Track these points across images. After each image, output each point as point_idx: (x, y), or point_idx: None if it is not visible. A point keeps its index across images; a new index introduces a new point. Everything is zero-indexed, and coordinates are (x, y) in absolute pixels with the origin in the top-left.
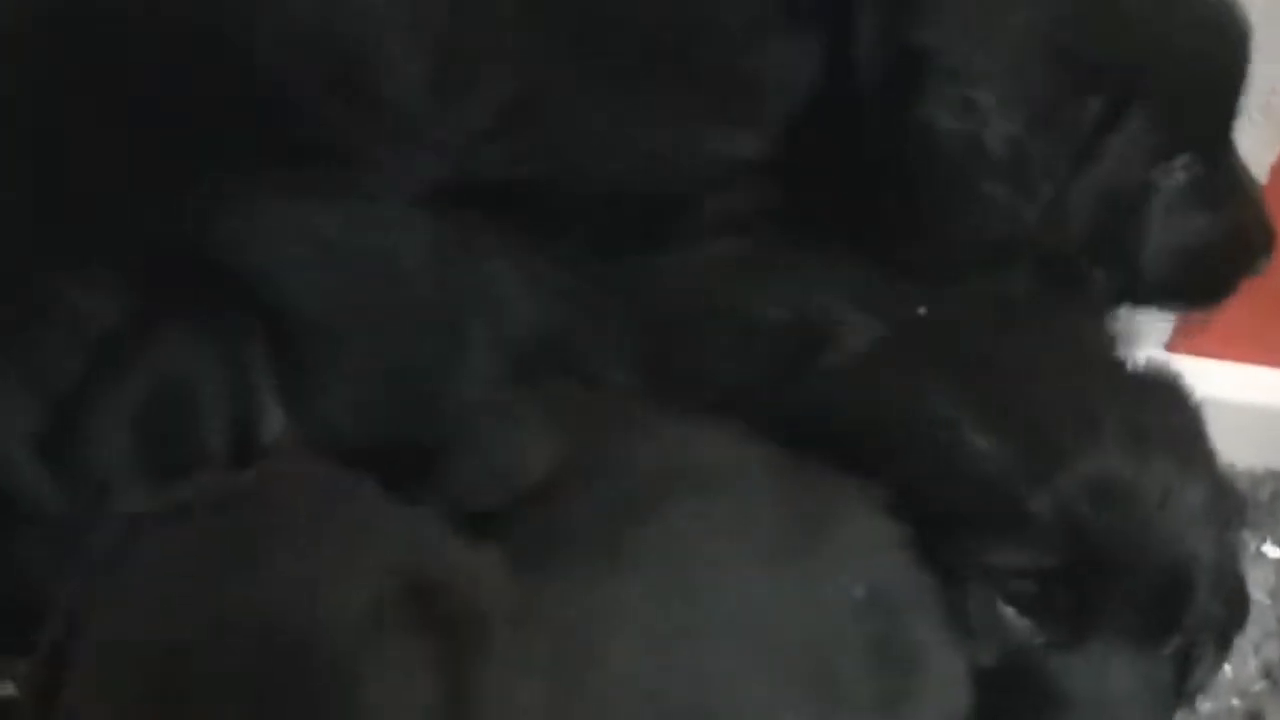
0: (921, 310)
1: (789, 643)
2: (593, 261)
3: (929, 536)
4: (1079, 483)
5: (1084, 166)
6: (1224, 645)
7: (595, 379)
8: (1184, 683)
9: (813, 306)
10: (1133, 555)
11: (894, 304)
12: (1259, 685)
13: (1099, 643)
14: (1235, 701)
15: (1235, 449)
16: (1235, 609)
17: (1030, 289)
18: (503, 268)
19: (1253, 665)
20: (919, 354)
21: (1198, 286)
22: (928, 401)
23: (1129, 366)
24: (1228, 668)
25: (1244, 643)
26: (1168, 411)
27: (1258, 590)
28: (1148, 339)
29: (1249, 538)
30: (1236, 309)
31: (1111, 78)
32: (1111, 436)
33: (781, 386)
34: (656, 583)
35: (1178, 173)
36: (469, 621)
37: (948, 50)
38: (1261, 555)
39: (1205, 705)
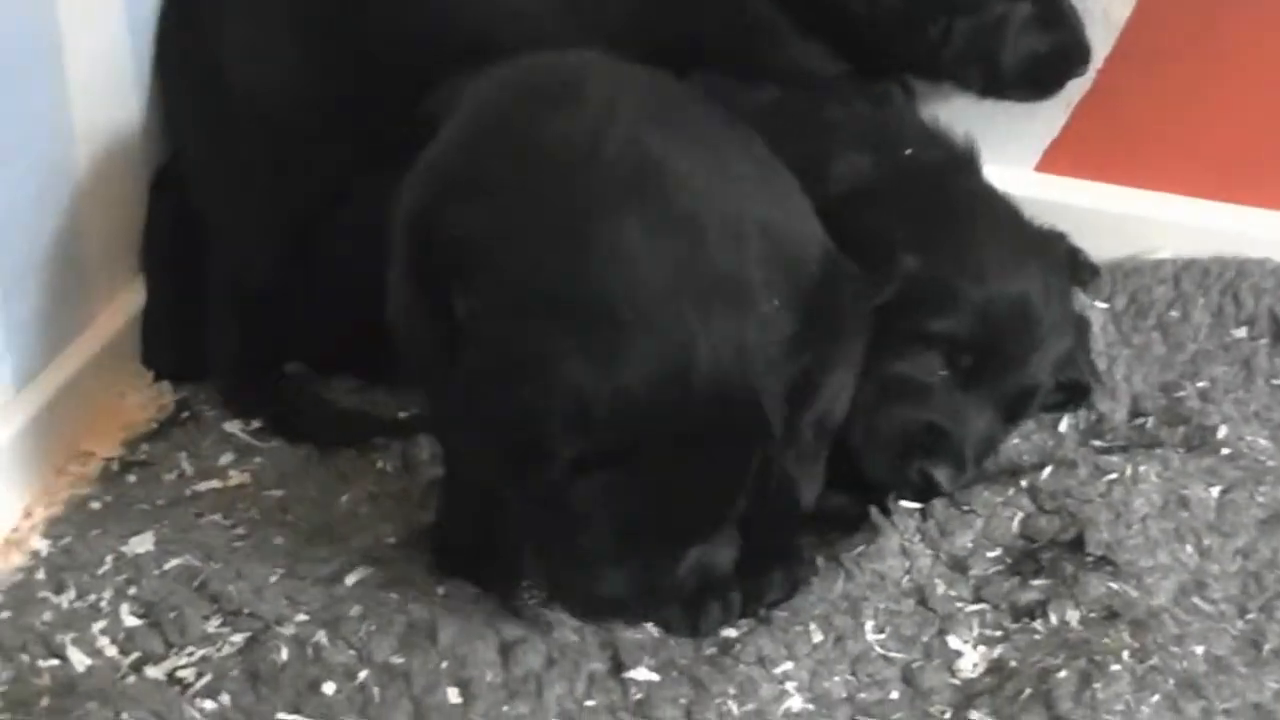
0: (908, 151)
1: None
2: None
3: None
4: (1001, 296)
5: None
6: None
7: None
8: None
9: (819, 148)
10: (1019, 354)
11: (888, 147)
12: None
13: (973, 396)
14: None
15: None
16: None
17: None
18: None
19: None
20: (892, 192)
21: (1038, 82)
22: (889, 233)
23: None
24: None
25: None
26: (1059, 267)
27: None
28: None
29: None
30: (1082, 134)
31: None
32: (1027, 276)
33: None
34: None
35: (1024, 5)
36: None
37: None
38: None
39: None
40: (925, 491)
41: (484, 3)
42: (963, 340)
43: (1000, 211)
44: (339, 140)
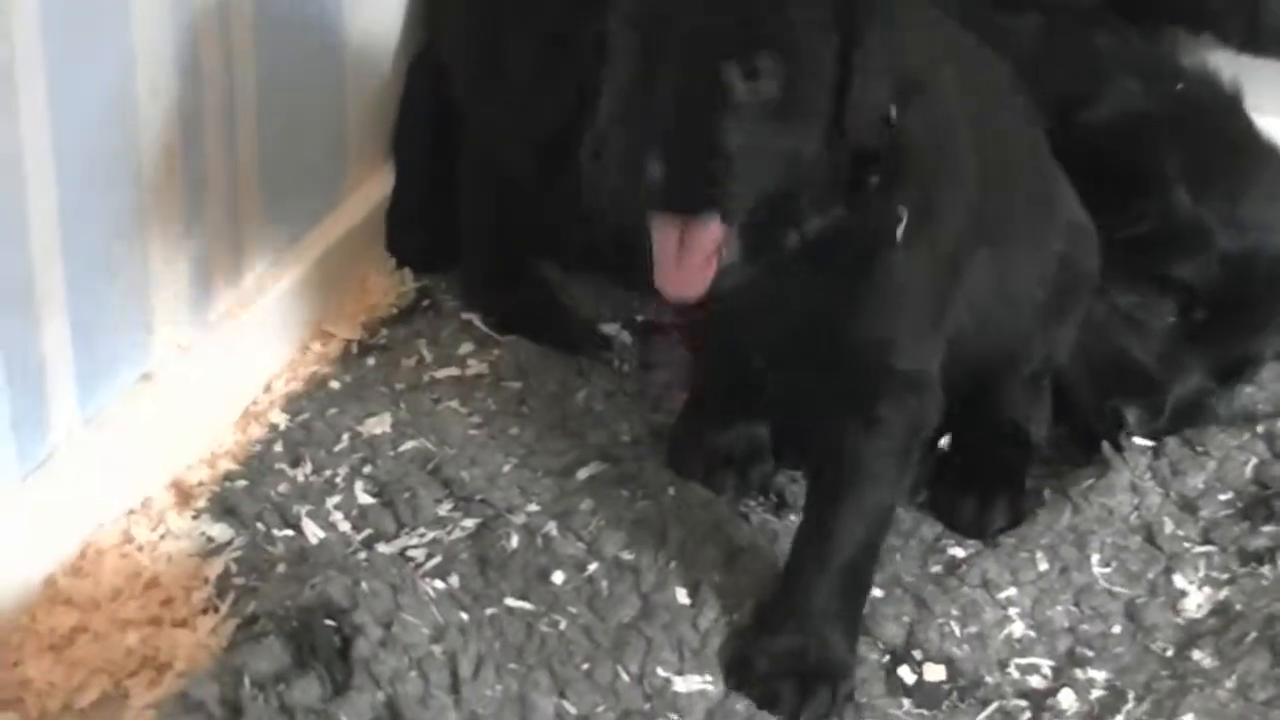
0: (1180, 86)
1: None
2: None
3: (1139, 243)
4: (1254, 255)
5: None
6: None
7: None
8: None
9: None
10: (1253, 323)
11: (1159, 78)
12: None
13: (1194, 351)
14: None
15: None
16: None
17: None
18: None
19: None
20: (1165, 122)
21: None
22: (1162, 164)
23: None
24: None
25: None
26: None
27: None
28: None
29: None
30: None
31: None
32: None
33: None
34: None
35: None
36: None
37: None
38: None
39: None
40: (1114, 429)
41: None
42: (1202, 294)
43: (1269, 160)
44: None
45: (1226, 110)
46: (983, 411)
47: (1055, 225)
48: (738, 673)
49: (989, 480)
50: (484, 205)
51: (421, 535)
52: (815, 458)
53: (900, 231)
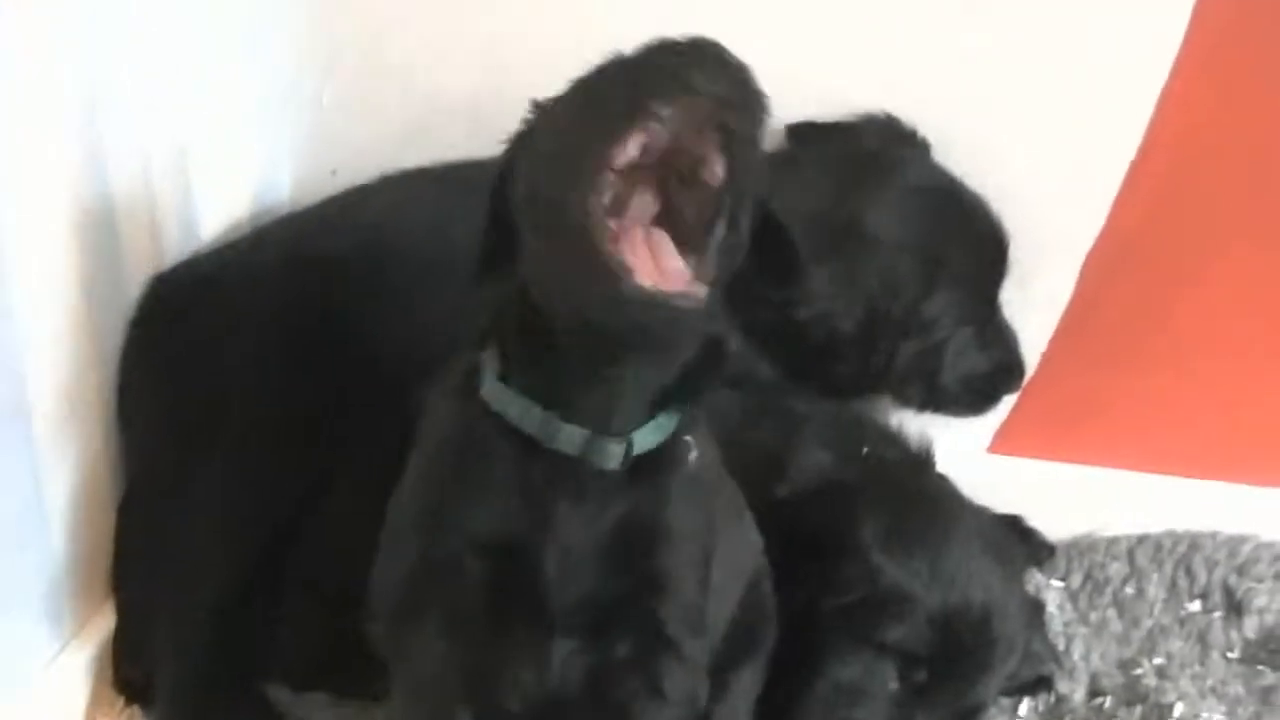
0: (866, 450)
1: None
2: None
3: (849, 612)
4: (959, 612)
5: (907, 332)
6: None
7: None
8: None
9: (781, 441)
10: (972, 675)
11: (846, 443)
12: None
13: (922, 711)
14: None
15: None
16: None
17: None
18: None
19: None
20: (855, 490)
21: (974, 400)
22: (857, 532)
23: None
24: None
25: None
26: (1017, 572)
27: None
28: (975, 442)
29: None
30: (1032, 413)
31: (921, 281)
32: (987, 589)
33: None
34: None
35: (965, 329)
36: None
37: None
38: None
39: None
40: None
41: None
42: (918, 656)
43: (960, 515)
44: (313, 452)
45: (915, 469)
46: None
47: (754, 546)
48: None
49: None
50: (199, 630)
51: None
52: None
53: (693, 458)
